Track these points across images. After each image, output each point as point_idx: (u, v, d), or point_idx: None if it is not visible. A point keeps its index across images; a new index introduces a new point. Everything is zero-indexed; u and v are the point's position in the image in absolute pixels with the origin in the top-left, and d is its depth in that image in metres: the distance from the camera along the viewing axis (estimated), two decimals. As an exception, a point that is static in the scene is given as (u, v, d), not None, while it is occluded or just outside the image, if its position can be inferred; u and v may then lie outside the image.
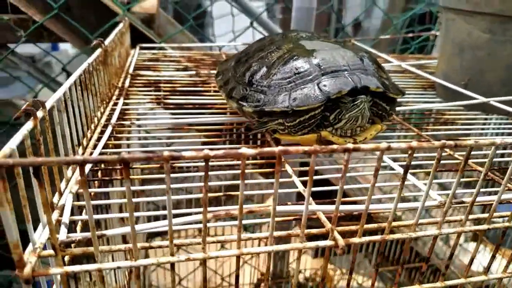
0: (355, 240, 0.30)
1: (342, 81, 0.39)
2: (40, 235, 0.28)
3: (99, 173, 0.41)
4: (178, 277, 1.25)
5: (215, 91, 0.65)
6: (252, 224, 1.26)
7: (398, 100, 0.48)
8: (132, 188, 0.37)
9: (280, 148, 0.24)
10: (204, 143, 0.53)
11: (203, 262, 0.27)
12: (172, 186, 0.37)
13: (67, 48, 2.10)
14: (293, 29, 0.73)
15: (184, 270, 1.26)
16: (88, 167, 0.38)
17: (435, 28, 1.75)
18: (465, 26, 0.63)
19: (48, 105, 0.32)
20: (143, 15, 1.00)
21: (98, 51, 0.52)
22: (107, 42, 0.57)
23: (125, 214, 0.29)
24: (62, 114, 0.35)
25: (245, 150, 0.24)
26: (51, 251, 0.26)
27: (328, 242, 0.29)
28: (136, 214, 0.26)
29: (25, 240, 0.26)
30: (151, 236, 1.19)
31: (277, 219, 0.30)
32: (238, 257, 0.28)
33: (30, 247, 0.27)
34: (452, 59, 0.66)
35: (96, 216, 0.26)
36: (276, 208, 0.27)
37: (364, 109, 0.40)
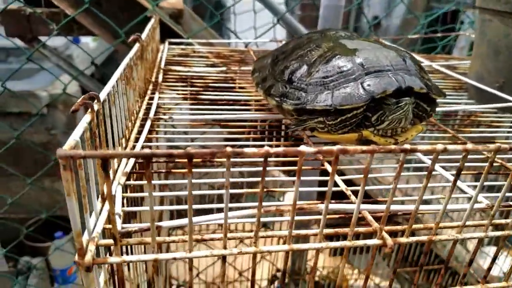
0: (403, 240, 0.30)
1: (387, 81, 0.39)
2: (95, 224, 0.29)
3: (137, 166, 0.42)
4: (196, 270, 1.26)
5: (240, 87, 0.65)
6: (272, 222, 1.27)
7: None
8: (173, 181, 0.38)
9: (339, 147, 0.24)
10: (230, 139, 0.53)
11: (253, 256, 0.28)
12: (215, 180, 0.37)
13: (88, 41, 2.13)
14: (329, 27, 0.73)
15: (202, 264, 1.27)
16: (131, 162, 0.38)
17: (457, 28, 1.72)
18: (502, 27, 0.62)
19: (101, 97, 0.32)
20: (171, 11, 1.01)
21: (136, 46, 0.52)
22: (143, 36, 0.58)
23: (184, 207, 0.29)
24: (111, 107, 0.36)
25: (304, 148, 0.24)
26: (109, 241, 0.27)
27: (376, 241, 0.30)
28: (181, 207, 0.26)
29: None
30: (172, 229, 1.21)
31: (300, 218, 0.30)
32: (287, 253, 0.28)
33: (86, 235, 0.28)
34: (487, 60, 0.65)
35: (157, 208, 0.27)
36: (328, 206, 0.27)
37: (408, 111, 0.40)
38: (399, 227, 0.31)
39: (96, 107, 0.31)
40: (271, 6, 1.44)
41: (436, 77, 0.80)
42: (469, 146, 0.26)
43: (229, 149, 0.23)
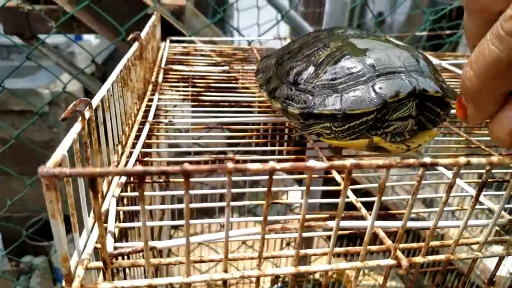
0: (419, 259, 0.28)
1: (399, 83, 0.36)
2: (85, 244, 0.27)
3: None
4: (198, 272, 1.24)
5: (244, 88, 0.63)
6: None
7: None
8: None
9: (352, 162, 0.22)
10: (233, 143, 0.51)
11: (257, 279, 0.26)
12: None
13: (90, 38, 2.11)
14: (335, 25, 0.70)
15: (204, 264, 1.25)
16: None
17: (462, 24, 1.69)
18: None
19: (94, 103, 0.30)
20: (172, 7, 0.98)
21: (135, 46, 0.50)
22: (142, 35, 0.55)
23: (180, 222, 0.27)
24: (106, 112, 0.34)
25: (313, 163, 0.22)
26: (99, 263, 0.25)
27: (390, 261, 0.27)
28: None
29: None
30: (174, 227, 1.18)
31: (307, 234, 0.27)
32: (294, 275, 0.26)
33: (75, 256, 0.26)
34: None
35: (150, 224, 0.24)
36: (339, 225, 0.25)
37: (412, 108, 0.37)
38: (414, 245, 0.29)
39: (88, 114, 0.29)
40: (274, 3, 1.42)
41: (445, 76, 0.77)
42: (495, 159, 0.24)
43: (230, 165, 0.21)
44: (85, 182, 0.26)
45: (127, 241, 0.37)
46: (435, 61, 0.79)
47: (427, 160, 0.23)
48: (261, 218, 0.24)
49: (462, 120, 0.28)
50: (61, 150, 0.23)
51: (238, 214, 1.43)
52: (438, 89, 0.37)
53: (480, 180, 0.26)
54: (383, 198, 0.37)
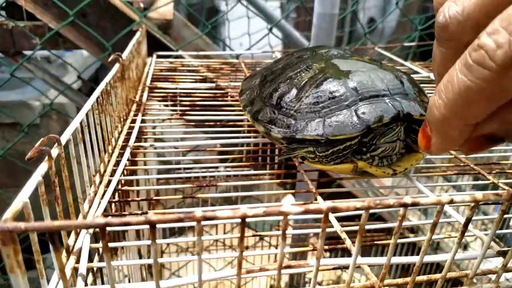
0: (404, 296, 0.27)
1: (383, 107, 0.35)
2: (55, 289, 0.25)
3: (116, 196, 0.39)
4: None
5: (230, 105, 0.62)
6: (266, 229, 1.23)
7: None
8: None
9: (328, 204, 0.21)
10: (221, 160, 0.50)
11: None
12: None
13: (81, 50, 2.09)
14: (322, 44, 0.70)
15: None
16: (105, 201, 0.35)
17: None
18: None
19: (63, 139, 0.29)
20: (160, 21, 0.97)
21: (116, 68, 0.49)
22: (124, 55, 0.54)
23: (148, 261, 0.26)
24: (79, 144, 0.33)
25: (287, 208, 0.21)
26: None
27: (374, 299, 0.26)
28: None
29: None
30: (172, 234, 1.17)
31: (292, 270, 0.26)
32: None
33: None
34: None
35: (115, 263, 0.23)
36: (319, 264, 0.24)
37: (400, 133, 0.37)
38: (400, 281, 0.28)
39: (56, 151, 0.27)
40: (265, 13, 1.41)
41: (434, 88, 0.76)
42: (479, 196, 0.23)
43: (198, 213, 0.19)
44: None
45: (101, 276, 0.35)
46: (424, 72, 0.79)
47: (408, 200, 0.22)
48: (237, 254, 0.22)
49: (423, 150, 0.27)
50: (22, 197, 0.22)
51: (231, 225, 1.42)
52: (422, 112, 0.36)
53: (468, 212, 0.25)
54: (378, 210, 0.36)
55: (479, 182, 0.44)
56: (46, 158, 0.26)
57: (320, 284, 1.34)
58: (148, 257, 0.64)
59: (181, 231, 1.30)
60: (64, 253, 0.28)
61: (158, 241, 0.21)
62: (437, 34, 0.24)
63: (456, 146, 0.25)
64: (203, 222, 0.20)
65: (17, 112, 1.57)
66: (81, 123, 0.33)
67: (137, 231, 0.56)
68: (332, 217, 0.35)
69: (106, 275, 0.33)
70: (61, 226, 0.19)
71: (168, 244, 1.18)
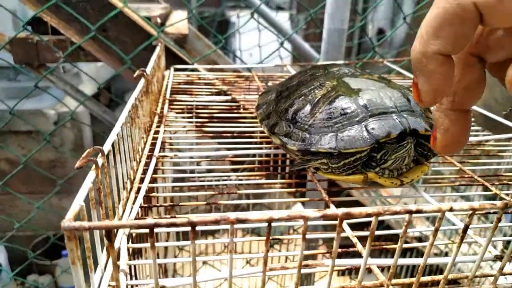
0: (410, 294, 0.30)
1: (391, 124, 0.38)
2: (100, 283, 0.29)
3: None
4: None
5: (245, 117, 0.65)
6: (278, 237, 1.26)
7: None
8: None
9: (343, 210, 0.24)
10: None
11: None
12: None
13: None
14: (333, 62, 0.73)
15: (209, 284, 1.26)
16: (137, 206, 0.38)
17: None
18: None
19: (105, 150, 0.33)
20: (176, 36, 1.02)
21: (142, 83, 0.53)
22: (148, 69, 0.58)
23: (187, 259, 0.29)
24: (116, 155, 0.36)
25: (308, 212, 0.24)
26: (113, 303, 0.27)
27: (382, 297, 0.29)
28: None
29: None
30: (179, 248, 1.20)
31: (305, 271, 0.29)
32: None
33: (91, 295, 0.28)
34: (493, 87, 0.65)
35: (160, 261, 0.27)
36: (334, 264, 0.27)
37: (411, 149, 0.40)
38: (406, 281, 0.31)
39: (100, 161, 0.31)
40: (276, 26, 1.45)
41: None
42: (476, 205, 0.26)
43: (232, 216, 0.23)
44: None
45: (135, 273, 0.39)
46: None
47: (413, 207, 0.25)
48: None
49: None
50: (79, 201, 0.25)
51: (242, 233, 1.45)
52: (428, 128, 0.39)
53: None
54: (385, 217, 0.39)
55: (487, 192, 0.47)
56: (94, 166, 0.29)
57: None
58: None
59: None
60: (104, 252, 0.31)
61: (197, 242, 0.24)
62: None
63: (442, 90, 0.26)
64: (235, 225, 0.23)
65: (33, 120, 1.63)
66: (117, 135, 0.36)
67: (157, 235, 0.60)
68: (344, 223, 0.38)
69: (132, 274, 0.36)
70: (118, 226, 0.22)
71: (180, 249, 1.21)
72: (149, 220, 0.22)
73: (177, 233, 1.03)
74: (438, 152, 0.31)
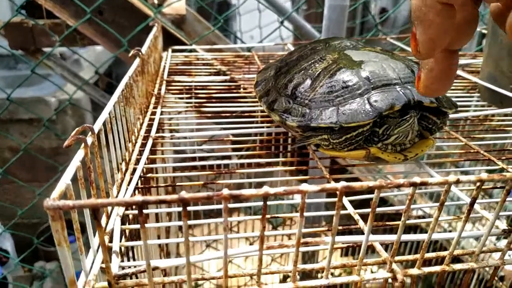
0: (414, 271, 0.29)
1: (394, 95, 0.37)
2: (92, 265, 0.28)
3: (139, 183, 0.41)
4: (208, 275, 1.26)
5: (245, 97, 0.64)
6: (280, 216, 1.25)
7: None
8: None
9: (343, 184, 0.23)
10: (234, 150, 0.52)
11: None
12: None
13: (94, 46, 2.12)
14: (334, 36, 0.71)
15: (212, 266, 1.27)
16: (132, 187, 0.37)
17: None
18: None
19: (96, 128, 0.31)
20: (173, 17, 1.00)
21: (136, 62, 0.51)
22: (143, 49, 0.57)
23: (179, 240, 0.28)
24: (108, 134, 0.35)
25: (305, 186, 0.23)
26: (105, 284, 0.26)
27: (385, 274, 0.28)
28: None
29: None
30: (181, 230, 1.20)
31: (305, 249, 0.28)
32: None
33: (82, 277, 0.27)
34: (500, 61, 0.63)
35: (151, 242, 0.26)
36: (334, 241, 0.26)
37: (414, 124, 0.38)
38: (410, 257, 0.30)
39: (90, 140, 0.30)
40: (276, 5, 1.42)
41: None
42: (484, 176, 0.25)
43: (226, 192, 0.22)
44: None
45: (133, 255, 0.38)
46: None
47: (417, 180, 0.23)
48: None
49: (414, 54, 0.27)
50: (65, 179, 0.24)
51: (244, 214, 1.44)
52: (433, 100, 0.38)
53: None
54: (387, 194, 0.38)
55: (490, 167, 0.45)
56: (83, 145, 0.28)
57: (332, 275, 1.36)
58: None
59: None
60: (97, 235, 0.30)
61: (189, 222, 0.23)
62: None
63: (440, 41, 0.26)
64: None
65: (34, 108, 1.62)
66: (109, 113, 0.35)
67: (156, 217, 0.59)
68: (345, 200, 0.36)
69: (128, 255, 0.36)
70: (104, 203, 0.21)
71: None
72: (137, 197, 0.21)
73: (179, 215, 1.02)
74: (421, 94, 0.29)
